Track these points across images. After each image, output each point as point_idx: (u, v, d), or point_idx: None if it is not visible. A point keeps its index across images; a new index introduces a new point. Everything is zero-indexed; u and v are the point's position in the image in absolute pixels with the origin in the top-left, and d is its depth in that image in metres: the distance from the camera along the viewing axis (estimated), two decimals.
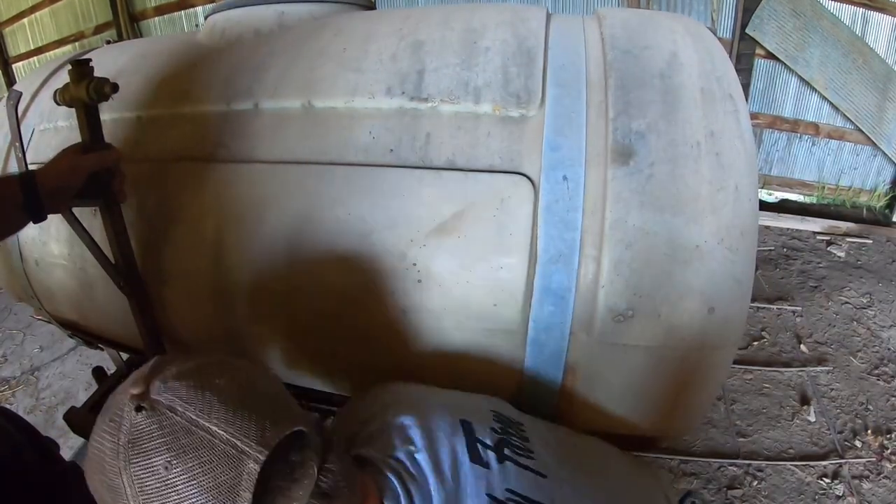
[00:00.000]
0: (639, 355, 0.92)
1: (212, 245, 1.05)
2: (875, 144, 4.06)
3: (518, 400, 0.97)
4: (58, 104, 1.06)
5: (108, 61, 1.35)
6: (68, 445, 2.30)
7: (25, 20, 6.63)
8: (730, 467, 2.27)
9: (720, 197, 0.89)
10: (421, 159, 0.95)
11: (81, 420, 1.26)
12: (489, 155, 0.94)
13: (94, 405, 1.27)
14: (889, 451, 2.33)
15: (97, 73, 1.01)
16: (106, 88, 0.98)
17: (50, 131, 1.34)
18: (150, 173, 1.16)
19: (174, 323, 1.21)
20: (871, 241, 3.86)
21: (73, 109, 1.03)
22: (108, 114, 1.20)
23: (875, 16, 3.97)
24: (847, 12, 3.97)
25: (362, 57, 1.07)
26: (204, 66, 1.22)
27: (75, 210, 1.12)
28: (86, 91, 0.95)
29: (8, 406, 2.29)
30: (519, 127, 0.95)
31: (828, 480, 2.22)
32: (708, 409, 1.07)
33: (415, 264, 0.92)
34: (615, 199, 0.88)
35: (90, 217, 1.14)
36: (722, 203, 0.89)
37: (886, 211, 4.11)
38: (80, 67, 0.99)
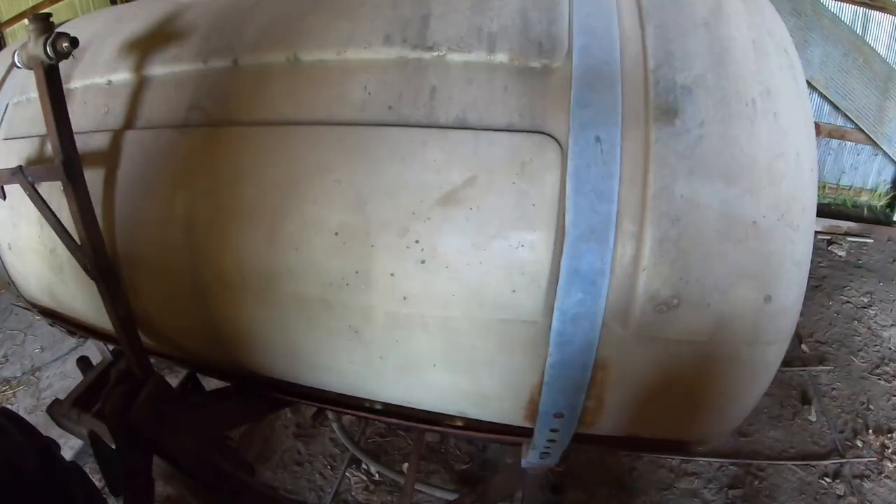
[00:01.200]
0: (682, 351, 0.80)
1: (182, 222, 0.99)
2: (876, 144, 4.07)
3: (537, 403, 0.85)
4: (17, 67, 1.00)
5: (85, 27, 1.29)
6: (69, 445, 2.25)
7: (26, 20, 6.43)
8: (731, 467, 2.26)
9: (779, 165, 0.77)
10: (425, 117, 0.84)
11: (64, 414, 1.24)
12: (507, 112, 0.82)
13: (78, 398, 1.24)
14: (890, 450, 2.32)
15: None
16: (64, 44, 0.91)
17: (23, 103, 1.26)
18: (119, 144, 1.06)
19: (148, 310, 1.12)
20: (871, 241, 3.87)
21: None
22: (79, 80, 1.14)
23: (876, 15, 3.97)
24: (847, 11, 3.97)
25: (358, 3, 0.96)
26: (181, 22, 1.13)
27: (40, 186, 1.05)
28: (43, 48, 0.91)
29: (9, 406, 2.33)
30: (541, 80, 0.83)
31: (829, 480, 2.21)
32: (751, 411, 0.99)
33: (417, 241, 0.82)
34: (659, 165, 0.76)
35: (59, 195, 1.04)
36: (782, 172, 0.77)
37: (887, 210, 4.12)
38: (40, 22, 0.92)
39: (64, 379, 2.89)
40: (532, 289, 0.80)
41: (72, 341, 2.84)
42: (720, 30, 0.83)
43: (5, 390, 2.82)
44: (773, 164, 0.77)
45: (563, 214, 0.77)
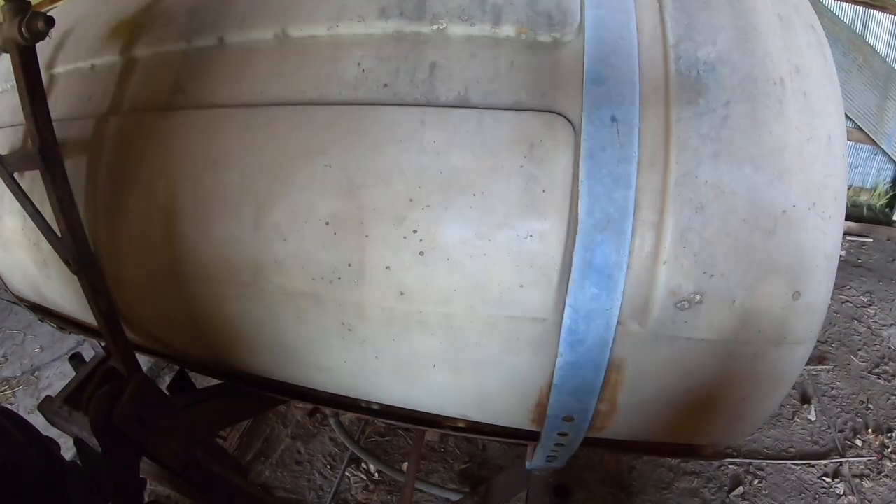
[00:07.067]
0: (704, 351, 0.75)
1: (164, 211, 0.95)
2: (875, 143, 4.06)
3: (545, 406, 0.80)
4: None
5: (71, 11, 1.26)
6: (69, 446, 2.25)
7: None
8: (730, 466, 2.25)
9: (811, 149, 0.72)
10: (424, 95, 0.78)
11: (55, 411, 1.24)
12: (513, 89, 0.76)
13: (70, 395, 1.25)
14: (889, 449, 2.32)
15: (60, 25, 0.93)
16: (39, 24, 0.87)
17: (8, 92, 1.22)
18: (101, 130, 1.02)
19: (133, 305, 1.09)
20: (871, 240, 3.87)
21: None
22: (63, 66, 1.12)
23: (875, 14, 3.96)
24: (847, 11, 3.96)
25: None
26: (167, 1, 1.08)
27: (23, 177, 1.02)
28: (18, 28, 0.87)
29: (9, 406, 2.33)
30: (551, 55, 0.77)
31: (828, 479, 2.21)
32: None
33: (415, 231, 0.77)
34: (681, 148, 0.70)
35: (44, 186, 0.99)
36: (813, 156, 0.72)
37: (887, 210, 4.12)
38: (15, 2, 0.87)
39: (64, 379, 2.83)
40: (541, 283, 0.75)
41: (72, 341, 2.81)
42: (743, 2, 0.78)
43: (5, 390, 2.82)
44: (804, 148, 0.71)
45: (576, 201, 0.71)
